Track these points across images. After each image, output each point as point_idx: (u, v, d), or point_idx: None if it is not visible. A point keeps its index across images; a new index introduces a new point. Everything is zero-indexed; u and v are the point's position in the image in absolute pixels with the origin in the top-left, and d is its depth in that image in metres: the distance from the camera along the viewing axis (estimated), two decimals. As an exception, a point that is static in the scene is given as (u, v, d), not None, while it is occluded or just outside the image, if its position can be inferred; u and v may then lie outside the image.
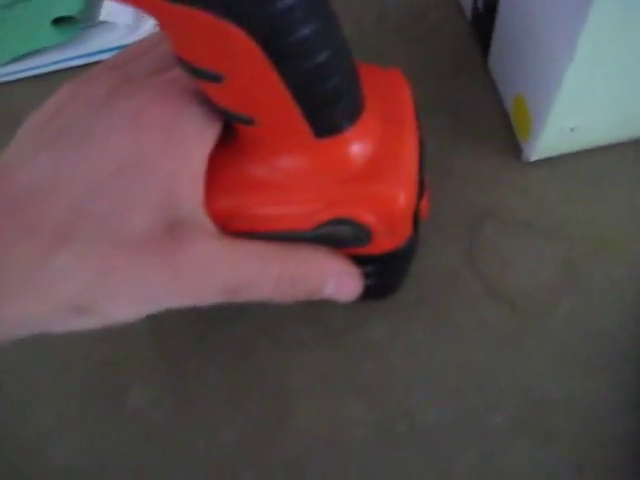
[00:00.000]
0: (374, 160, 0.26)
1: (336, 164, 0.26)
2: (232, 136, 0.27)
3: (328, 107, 0.24)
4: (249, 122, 0.24)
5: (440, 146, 0.40)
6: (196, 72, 0.23)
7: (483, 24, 0.42)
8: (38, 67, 0.48)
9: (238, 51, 0.21)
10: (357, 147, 0.26)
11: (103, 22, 0.48)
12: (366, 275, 0.30)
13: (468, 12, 0.45)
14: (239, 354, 0.35)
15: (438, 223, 0.36)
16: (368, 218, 0.26)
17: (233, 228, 0.27)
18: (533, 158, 0.39)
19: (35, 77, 0.48)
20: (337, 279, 0.28)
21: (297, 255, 0.27)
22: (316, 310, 0.35)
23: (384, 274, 0.31)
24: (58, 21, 0.47)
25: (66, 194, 0.24)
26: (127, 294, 0.24)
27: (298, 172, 0.26)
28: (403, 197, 0.26)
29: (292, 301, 0.27)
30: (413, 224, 0.28)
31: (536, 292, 0.35)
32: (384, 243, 0.28)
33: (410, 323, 0.35)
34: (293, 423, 0.34)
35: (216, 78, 0.22)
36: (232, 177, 0.27)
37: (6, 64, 0.48)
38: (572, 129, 0.36)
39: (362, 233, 0.27)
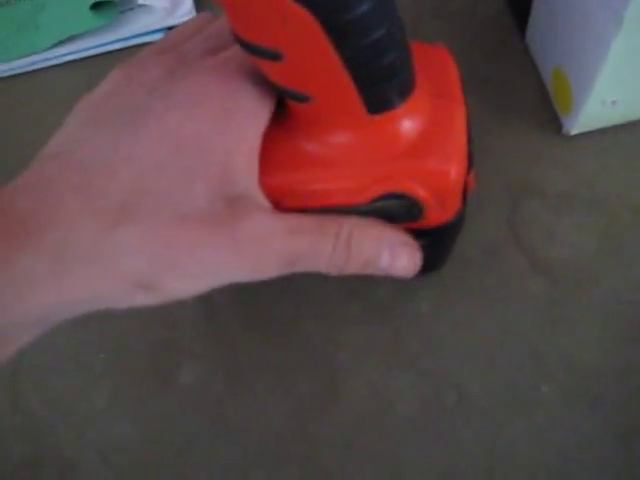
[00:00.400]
0: (425, 135, 0.27)
1: (388, 139, 0.26)
2: (285, 113, 0.27)
3: (382, 83, 0.24)
4: (305, 99, 0.25)
5: (478, 121, 0.39)
6: (254, 50, 0.23)
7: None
8: (78, 52, 0.48)
9: (298, 28, 0.21)
10: (408, 123, 0.26)
11: (141, 5, 0.48)
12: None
13: (504, -14, 0.45)
14: (287, 330, 0.36)
15: (480, 198, 0.37)
16: (420, 192, 0.27)
17: (287, 204, 0.27)
18: (573, 132, 0.39)
19: (75, 62, 0.49)
20: (392, 249, 0.28)
21: (351, 220, 0.27)
22: (362, 286, 0.36)
23: (432, 249, 0.31)
24: (97, 5, 0.48)
25: (128, 172, 0.24)
26: (190, 269, 0.25)
27: (351, 148, 0.26)
28: (454, 171, 0.26)
29: (347, 273, 0.28)
30: (462, 198, 0.29)
31: (579, 264, 0.36)
32: (435, 217, 0.28)
33: (455, 297, 0.36)
34: (341, 397, 0.34)
35: (274, 56, 0.23)
36: (286, 154, 0.27)
37: (47, 49, 0.48)
38: (614, 102, 0.36)
39: (414, 207, 0.27)
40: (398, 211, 0.28)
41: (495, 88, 0.42)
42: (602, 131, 0.39)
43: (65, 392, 0.36)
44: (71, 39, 0.48)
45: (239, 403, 0.35)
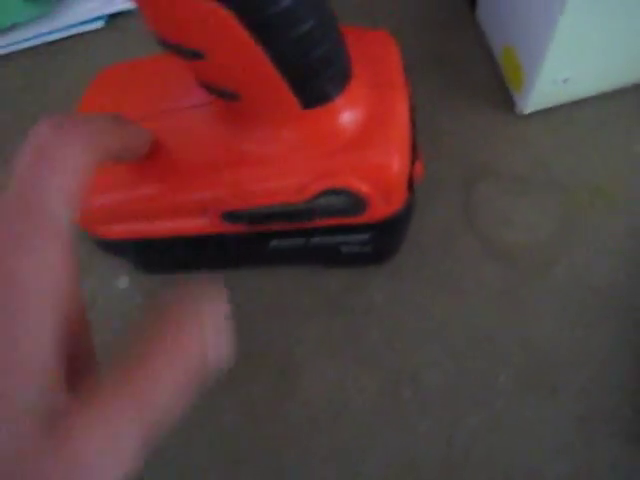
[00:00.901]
0: (365, 127, 0.26)
1: (327, 134, 0.25)
2: (220, 112, 0.26)
3: (314, 77, 0.23)
4: (234, 97, 0.23)
5: (431, 103, 0.39)
6: (176, 50, 0.22)
7: (470, -26, 0.41)
8: (17, 43, 0.46)
9: (217, 27, 0.20)
10: (347, 115, 0.25)
11: (80, -8, 0.46)
12: (365, 242, 0.29)
13: (454, -38, 0.43)
14: (239, 326, 0.35)
15: (432, 183, 0.36)
16: (362, 187, 0.26)
17: (226, 206, 0.26)
18: (527, 111, 0.38)
19: (15, 53, 0.47)
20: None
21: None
22: (315, 278, 0.35)
23: (382, 240, 0.30)
24: (33, -6, 0.46)
25: None
26: None
27: (288, 144, 0.25)
28: (397, 164, 0.26)
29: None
30: (408, 188, 0.28)
31: (535, 247, 0.35)
32: (380, 210, 0.27)
33: (410, 286, 0.35)
34: (298, 392, 0.34)
35: (197, 55, 0.22)
36: (222, 154, 0.26)
37: (-17, 41, 0.46)
38: (565, 80, 0.35)
39: (358, 202, 0.26)
40: (342, 207, 0.27)
41: (447, 67, 0.41)
42: (556, 109, 0.38)
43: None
44: (8, 30, 0.46)
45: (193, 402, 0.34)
